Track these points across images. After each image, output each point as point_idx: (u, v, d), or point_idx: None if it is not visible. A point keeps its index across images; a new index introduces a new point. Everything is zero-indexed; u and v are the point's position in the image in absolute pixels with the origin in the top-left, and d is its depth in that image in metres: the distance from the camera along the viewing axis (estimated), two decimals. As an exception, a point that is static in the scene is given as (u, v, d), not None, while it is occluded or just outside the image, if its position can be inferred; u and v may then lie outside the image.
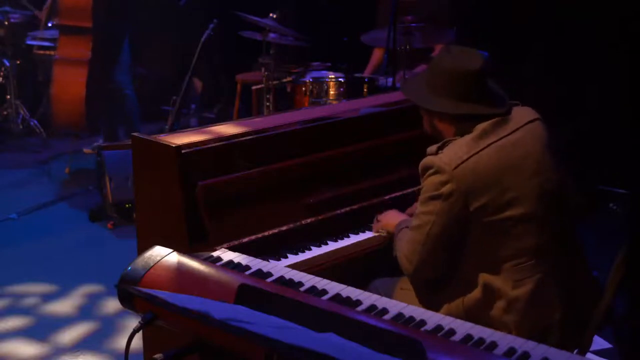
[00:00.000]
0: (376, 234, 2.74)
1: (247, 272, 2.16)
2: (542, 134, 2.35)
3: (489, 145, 2.25)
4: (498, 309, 2.24)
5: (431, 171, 2.25)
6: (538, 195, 2.25)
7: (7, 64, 6.40)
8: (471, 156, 2.22)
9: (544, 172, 2.29)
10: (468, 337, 1.82)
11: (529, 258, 2.24)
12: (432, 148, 2.32)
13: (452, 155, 2.23)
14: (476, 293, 2.26)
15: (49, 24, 6.30)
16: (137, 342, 2.28)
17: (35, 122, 6.48)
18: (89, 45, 5.62)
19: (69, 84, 5.64)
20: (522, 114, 2.37)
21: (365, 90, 5.01)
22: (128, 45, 5.93)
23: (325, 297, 2.01)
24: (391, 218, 2.68)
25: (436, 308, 2.31)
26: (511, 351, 1.75)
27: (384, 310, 1.95)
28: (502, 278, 2.24)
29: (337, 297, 2.02)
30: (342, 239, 2.71)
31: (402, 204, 2.84)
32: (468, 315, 2.25)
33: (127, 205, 4.83)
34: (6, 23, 6.40)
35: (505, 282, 2.23)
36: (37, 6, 6.74)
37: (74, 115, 5.70)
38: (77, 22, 5.60)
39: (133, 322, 2.85)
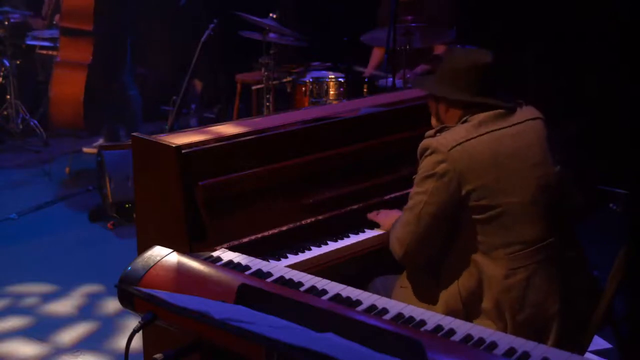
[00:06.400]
0: (374, 233, 2.75)
1: (247, 272, 2.16)
2: (542, 131, 2.40)
3: (487, 133, 2.29)
4: (493, 297, 2.25)
5: (428, 152, 2.30)
6: (535, 187, 2.28)
7: (7, 64, 6.40)
8: (468, 140, 2.27)
9: (543, 166, 2.32)
10: (468, 337, 1.82)
11: (522, 247, 2.25)
12: (430, 132, 2.38)
13: (449, 138, 2.28)
14: (472, 281, 2.28)
15: (54, 22, 6.30)
16: (137, 342, 2.28)
17: (35, 122, 6.48)
18: (90, 48, 5.63)
19: (68, 86, 5.65)
20: (525, 112, 2.42)
21: (365, 90, 5.01)
22: (130, 47, 5.94)
23: (325, 297, 2.01)
24: (389, 217, 2.69)
25: (434, 298, 2.32)
26: (511, 351, 1.75)
27: (384, 310, 1.95)
28: (495, 266, 2.25)
29: (337, 297, 2.02)
30: (342, 239, 2.70)
31: (402, 204, 2.83)
32: (465, 305, 2.27)
33: (127, 205, 4.83)
34: (6, 23, 6.39)
35: (499, 270, 2.25)
36: (35, 6, 6.74)
37: (71, 117, 5.72)
38: (79, 24, 5.61)
39: (133, 322, 2.85)
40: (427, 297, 2.35)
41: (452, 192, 2.24)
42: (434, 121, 2.48)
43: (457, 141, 2.26)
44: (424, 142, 2.33)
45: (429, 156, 2.28)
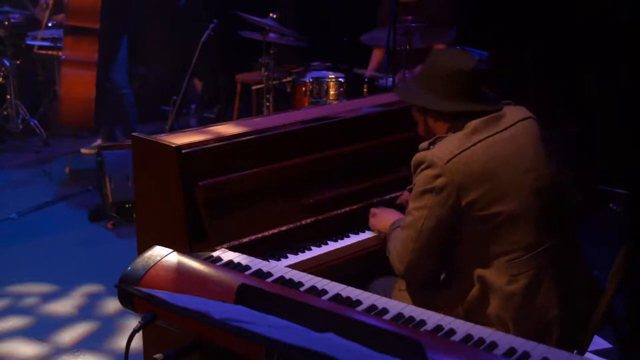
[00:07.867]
0: (374, 233, 2.74)
1: (247, 272, 2.16)
2: (535, 132, 2.37)
3: (481, 140, 2.26)
4: (495, 305, 2.25)
5: (423, 166, 2.25)
6: (531, 190, 2.26)
7: (7, 64, 6.40)
8: (463, 150, 2.23)
9: (537, 168, 2.30)
10: (468, 337, 1.82)
11: (522, 253, 2.23)
12: (424, 144, 2.34)
13: (444, 150, 2.24)
14: (473, 290, 2.27)
15: (49, 24, 6.30)
16: (137, 342, 2.28)
17: (35, 122, 6.48)
18: (95, 46, 5.64)
19: (80, 85, 5.66)
20: (515, 113, 2.38)
21: (365, 90, 5.01)
22: (126, 45, 5.94)
23: (325, 297, 2.01)
24: (386, 219, 2.67)
25: (434, 309, 2.31)
26: (511, 351, 1.75)
27: (384, 310, 1.95)
28: (496, 274, 2.24)
29: (337, 297, 2.02)
30: (342, 239, 2.71)
31: (402, 204, 2.84)
32: (467, 312, 2.26)
33: (127, 205, 4.83)
34: (6, 23, 6.39)
35: (500, 278, 2.24)
36: (36, 6, 6.74)
37: (82, 115, 5.74)
38: (86, 23, 5.62)
39: (133, 322, 2.85)
40: (426, 303, 2.34)
41: (451, 206, 2.21)
42: (421, 130, 2.43)
43: (453, 153, 2.22)
44: (419, 156, 2.29)
45: (425, 170, 2.24)
